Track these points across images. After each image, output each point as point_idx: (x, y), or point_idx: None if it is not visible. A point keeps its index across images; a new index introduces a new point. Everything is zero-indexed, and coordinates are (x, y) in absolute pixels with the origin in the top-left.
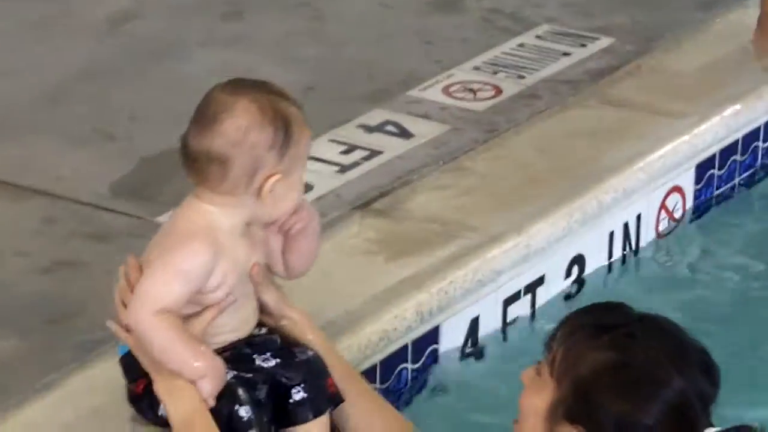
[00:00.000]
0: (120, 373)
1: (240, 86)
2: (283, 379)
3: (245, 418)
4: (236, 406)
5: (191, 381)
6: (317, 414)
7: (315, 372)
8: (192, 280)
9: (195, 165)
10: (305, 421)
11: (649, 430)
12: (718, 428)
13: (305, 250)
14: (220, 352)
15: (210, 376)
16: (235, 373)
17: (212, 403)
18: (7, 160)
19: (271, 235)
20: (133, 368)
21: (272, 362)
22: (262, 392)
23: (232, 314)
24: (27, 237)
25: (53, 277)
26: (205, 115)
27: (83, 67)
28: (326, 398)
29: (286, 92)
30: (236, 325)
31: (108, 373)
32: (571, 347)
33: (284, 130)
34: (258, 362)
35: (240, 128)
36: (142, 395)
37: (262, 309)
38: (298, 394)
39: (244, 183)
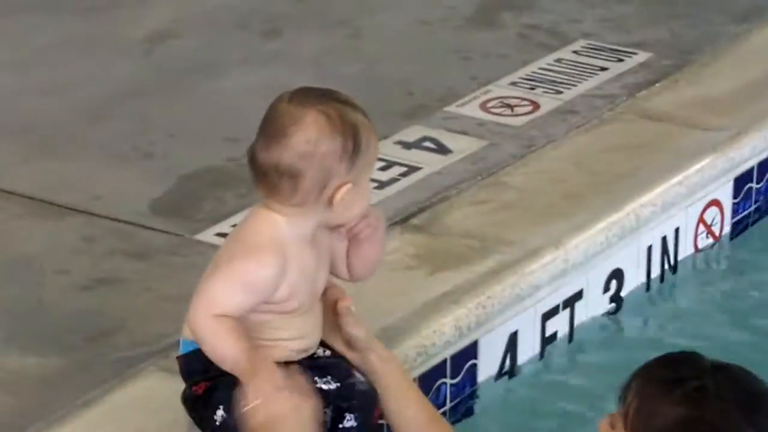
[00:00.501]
0: (164, 387)
1: (307, 97)
2: (340, 404)
3: None
4: None
5: (248, 382)
6: None
7: (368, 402)
8: (256, 292)
9: (265, 179)
10: None
11: None
12: None
13: (370, 255)
14: (284, 365)
15: (261, 377)
16: None
17: (273, 403)
18: (48, 178)
19: (336, 238)
20: (194, 372)
21: (333, 386)
22: (327, 413)
23: (296, 323)
24: (67, 255)
25: (93, 294)
26: (273, 128)
27: (123, 85)
28: (372, 429)
29: (352, 100)
30: (298, 335)
31: (148, 390)
32: (643, 402)
33: (353, 139)
34: (319, 384)
35: (310, 141)
36: (202, 397)
37: (349, 344)
38: (349, 422)
39: (315, 194)
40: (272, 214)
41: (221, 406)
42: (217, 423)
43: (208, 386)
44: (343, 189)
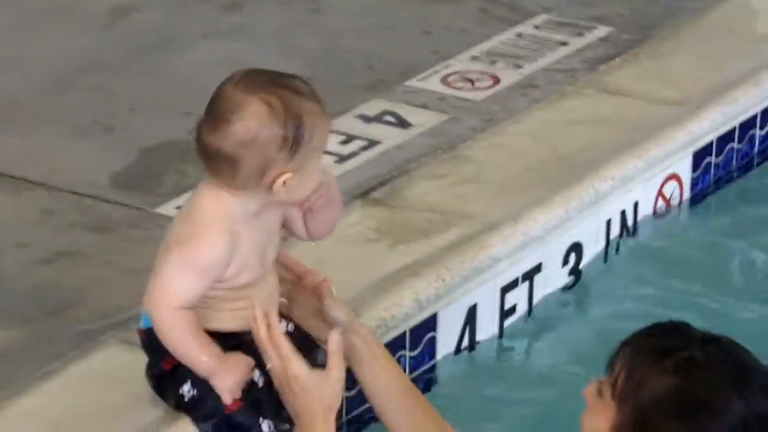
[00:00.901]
0: (124, 359)
1: (253, 83)
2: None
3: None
4: (259, 418)
5: (205, 378)
6: None
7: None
8: (209, 274)
9: (208, 160)
10: None
11: None
12: None
13: (326, 217)
14: (242, 335)
15: (224, 372)
16: (260, 372)
17: (231, 398)
18: (8, 152)
19: (290, 208)
20: (158, 348)
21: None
22: None
23: (249, 293)
24: (27, 228)
25: (52, 267)
26: (217, 112)
27: (84, 59)
28: None
29: (300, 86)
30: (251, 305)
31: (108, 362)
32: (633, 371)
33: (295, 129)
34: None
35: (249, 130)
36: (170, 373)
37: (331, 326)
38: None
39: (254, 181)
40: (219, 191)
41: (188, 380)
42: (185, 399)
43: (174, 362)
44: (283, 177)
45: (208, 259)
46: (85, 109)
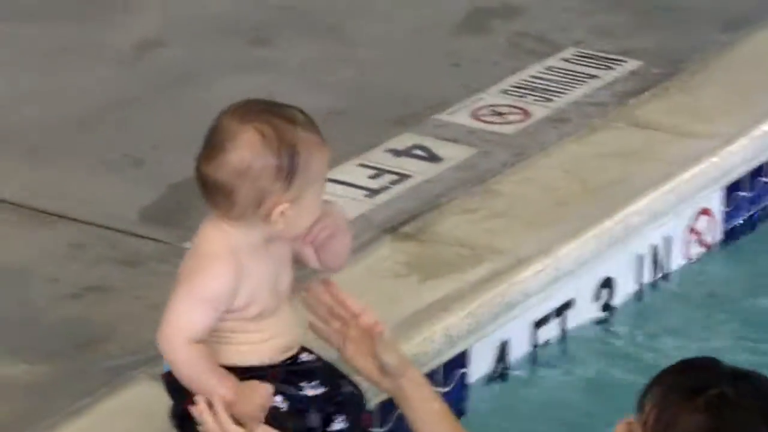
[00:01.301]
0: (154, 394)
1: (248, 112)
2: (328, 408)
3: None
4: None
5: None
6: None
7: (356, 405)
8: (216, 305)
9: (205, 191)
10: None
11: None
12: None
13: (338, 248)
14: (261, 369)
15: (242, 402)
16: (288, 404)
17: (259, 423)
18: (37, 186)
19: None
20: (181, 389)
21: (319, 390)
22: (317, 421)
23: (266, 325)
24: (56, 263)
25: (82, 302)
26: (212, 142)
27: (112, 93)
28: (361, 429)
29: (296, 115)
30: (270, 335)
31: (139, 398)
32: (663, 411)
33: (290, 159)
34: (306, 390)
35: (243, 160)
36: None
37: (382, 370)
38: (338, 424)
39: (251, 211)
40: (221, 224)
41: None
42: None
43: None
44: (279, 208)
45: (214, 289)
46: (113, 143)
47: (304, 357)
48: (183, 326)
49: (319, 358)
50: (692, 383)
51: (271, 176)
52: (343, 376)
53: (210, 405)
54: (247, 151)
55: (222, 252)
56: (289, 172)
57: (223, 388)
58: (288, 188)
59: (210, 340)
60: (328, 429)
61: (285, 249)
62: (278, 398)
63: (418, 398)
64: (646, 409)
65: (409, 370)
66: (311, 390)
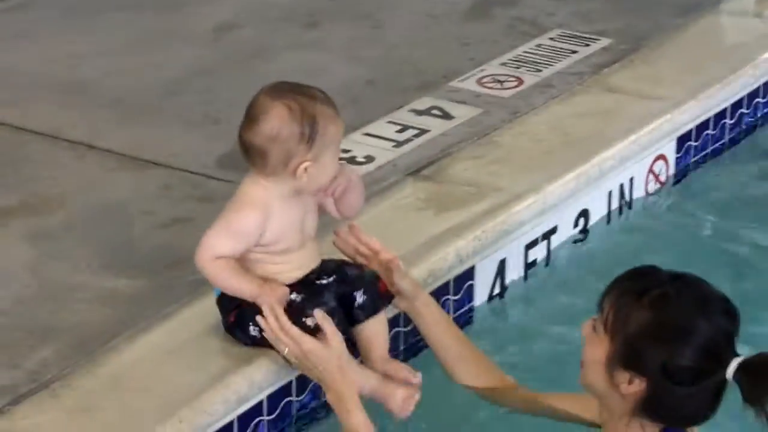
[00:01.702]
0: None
1: (279, 91)
2: (345, 289)
3: (312, 326)
4: (303, 318)
5: (253, 301)
6: (376, 311)
7: (368, 279)
8: (241, 237)
9: (245, 152)
10: (369, 316)
11: (687, 369)
12: (743, 356)
13: (352, 200)
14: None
15: (264, 294)
16: (303, 295)
17: (279, 312)
18: (135, 139)
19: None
20: (226, 306)
21: (330, 279)
22: (331, 301)
23: (290, 260)
24: (150, 200)
25: (170, 231)
26: (251, 115)
27: (195, 66)
28: (380, 297)
29: (316, 93)
30: (293, 268)
31: (213, 306)
32: (619, 309)
33: (310, 127)
34: (318, 282)
35: (274, 128)
36: (235, 322)
37: (399, 293)
38: (360, 298)
39: (281, 168)
40: (257, 179)
41: (249, 323)
42: (257, 336)
43: (236, 313)
44: (303, 165)
45: (241, 226)
46: (196, 106)
47: (325, 280)
48: (210, 248)
49: (329, 261)
50: (639, 286)
51: (296, 140)
52: (348, 264)
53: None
54: (277, 122)
55: (253, 199)
56: (310, 137)
57: (247, 285)
58: (309, 150)
59: (244, 266)
60: (355, 305)
61: (311, 200)
62: (293, 295)
63: (428, 314)
64: (605, 309)
65: (421, 293)
66: (323, 281)
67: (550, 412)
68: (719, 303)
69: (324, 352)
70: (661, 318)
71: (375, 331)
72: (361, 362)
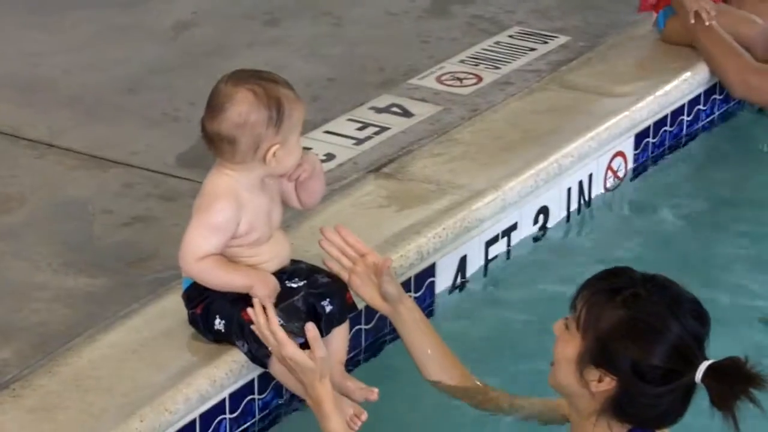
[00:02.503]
0: (183, 304)
1: (239, 78)
2: (312, 294)
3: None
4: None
5: (247, 292)
6: (341, 321)
7: (336, 288)
8: (221, 231)
9: (212, 144)
10: (334, 327)
11: (657, 369)
12: (712, 360)
13: (313, 189)
14: None
15: (257, 284)
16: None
17: (270, 302)
18: (95, 138)
19: (284, 182)
20: (192, 298)
21: (300, 283)
22: (299, 302)
23: (262, 251)
24: (111, 198)
25: (132, 229)
26: (213, 104)
27: (154, 64)
28: (347, 307)
29: (277, 77)
30: (266, 260)
31: (175, 304)
32: (591, 308)
33: (277, 109)
34: (289, 284)
35: (241, 113)
36: (201, 315)
37: (384, 297)
38: (328, 307)
39: (251, 154)
40: (224, 170)
41: (217, 316)
42: (221, 330)
43: (203, 305)
44: (273, 149)
45: (218, 219)
46: (156, 104)
47: (289, 267)
48: (193, 248)
49: (301, 262)
50: (612, 286)
51: (264, 124)
52: (319, 271)
53: (263, 308)
54: (245, 107)
55: (223, 190)
56: (277, 120)
57: (239, 278)
58: (277, 133)
59: None
60: (322, 312)
61: (275, 188)
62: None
63: (411, 320)
64: (578, 308)
65: (405, 298)
66: (293, 284)
67: (521, 412)
68: (690, 305)
69: (304, 362)
70: (633, 317)
71: (336, 340)
72: None
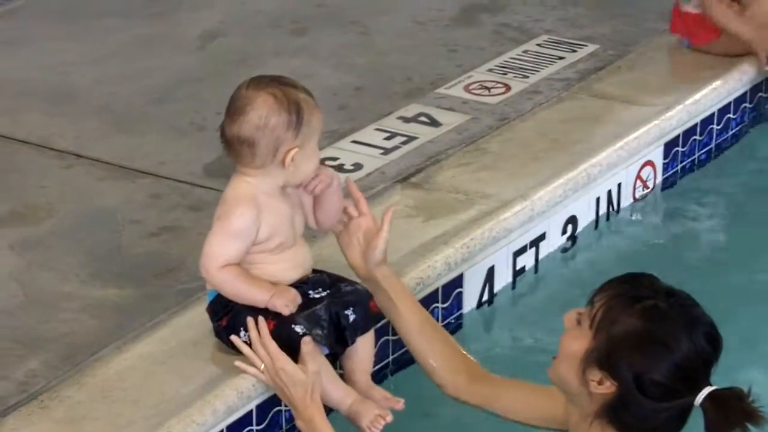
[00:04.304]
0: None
1: (259, 83)
2: (336, 305)
3: (300, 332)
4: (292, 325)
5: (266, 305)
6: (366, 330)
7: (359, 297)
8: (242, 237)
9: (231, 148)
10: (358, 336)
11: (659, 385)
12: (715, 387)
13: (329, 207)
14: None
15: (276, 295)
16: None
17: (288, 311)
18: (123, 148)
19: (303, 196)
20: (217, 312)
21: (323, 293)
22: (321, 311)
23: (286, 258)
24: (138, 209)
25: (159, 239)
26: (234, 108)
27: (182, 73)
28: (371, 316)
29: (297, 83)
30: (290, 267)
31: (203, 314)
32: (610, 309)
33: (297, 113)
34: (312, 294)
35: (262, 117)
36: (226, 328)
37: (364, 257)
38: (351, 316)
39: (270, 158)
40: (243, 177)
41: (242, 329)
42: (246, 342)
43: (228, 318)
44: (291, 152)
45: (238, 225)
46: (183, 113)
47: (312, 276)
48: (215, 256)
49: (323, 273)
50: (634, 293)
51: (283, 127)
52: (343, 280)
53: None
54: (265, 110)
55: (243, 196)
56: (297, 124)
57: (258, 291)
58: (296, 137)
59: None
60: (345, 322)
61: (296, 196)
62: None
63: (388, 285)
64: (596, 306)
65: (385, 266)
66: (316, 294)
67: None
68: (706, 328)
69: (296, 375)
70: (648, 329)
71: (362, 349)
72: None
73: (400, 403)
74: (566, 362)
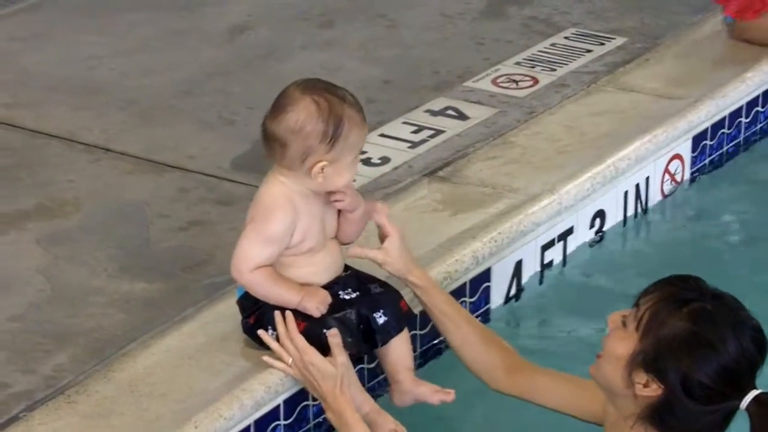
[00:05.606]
0: (238, 309)
1: (308, 86)
2: (366, 307)
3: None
4: (324, 329)
5: (297, 307)
6: (399, 331)
7: (389, 298)
8: (277, 242)
9: (266, 141)
10: (390, 338)
11: (705, 387)
12: (761, 390)
13: (347, 228)
14: None
15: (306, 297)
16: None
17: (319, 313)
18: (151, 142)
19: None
20: (247, 307)
21: (353, 295)
22: (351, 314)
23: (316, 262)
24: (167, 203)
25: (187, 233)
26: (277, 104)
27: (210, 67)
28: (403, 316)
29: (347, 96)
30: (320, 270)
31: (230, 309)
32: (657, 312)
33: (335, 126)
34: (342, 295)
35: (298, 120)
36: (254, 325)
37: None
38: (381, 318)
39: (298, 163)
40: (278, 177)
41: (270, 327)
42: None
43: (256, 316)
44: (321, 164)
45: (275, 230)
46: (211, 107)
47: (343, 276)
48: (248, 259)
49: (354, 272)
50: (682, 296)
51: (317, 137)
52: (373, 281)
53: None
54: (303, 115)
55: (281, 200)
56: (332, 138)
57: (288, 293)
58: (329, 150)
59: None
60: (375, 325)
61: (328, 200)
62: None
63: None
64: (642, 308)
65: (412, 265)
66: (346, 295)
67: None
68: (752, 332)
69: (325, 368)
70: (696, 332)
71: (399, 350)
72: (388, 382)
73: (451, 395)
74: (611, 363)
